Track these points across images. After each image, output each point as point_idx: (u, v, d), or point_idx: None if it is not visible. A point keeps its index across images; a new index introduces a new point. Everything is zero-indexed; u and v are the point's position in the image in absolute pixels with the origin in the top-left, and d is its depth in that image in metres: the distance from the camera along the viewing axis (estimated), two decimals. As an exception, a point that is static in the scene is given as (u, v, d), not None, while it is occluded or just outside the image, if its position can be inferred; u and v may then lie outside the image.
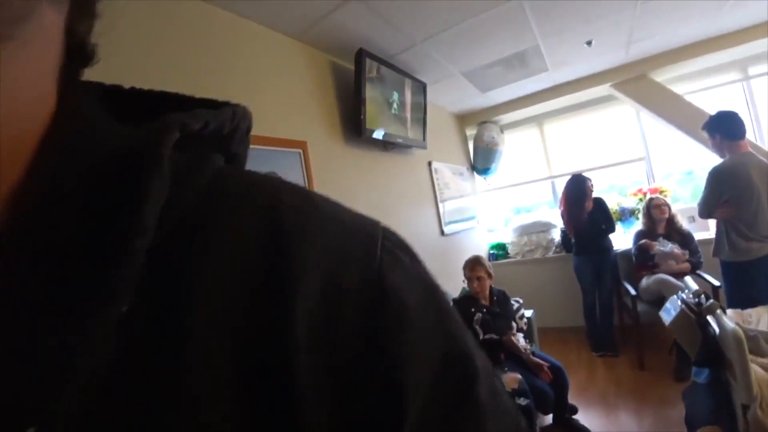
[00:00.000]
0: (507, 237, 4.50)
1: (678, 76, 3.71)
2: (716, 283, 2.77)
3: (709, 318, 1.89)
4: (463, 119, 4.50)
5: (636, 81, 3.67)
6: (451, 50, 2.70)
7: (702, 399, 1.89)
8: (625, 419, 2.43)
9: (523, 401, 1.77)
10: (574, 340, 3.59)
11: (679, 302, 2.03)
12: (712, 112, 2.60)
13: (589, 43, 2.99)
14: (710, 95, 3.70)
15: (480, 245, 4.34)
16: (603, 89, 3.88)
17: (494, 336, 2.22)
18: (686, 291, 2.17)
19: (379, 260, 0.25)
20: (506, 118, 4.44)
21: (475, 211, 4.36)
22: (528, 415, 1.78)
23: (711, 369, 1.85)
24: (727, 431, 1.88)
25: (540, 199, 4.89)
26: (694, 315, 1.93)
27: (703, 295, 2.04)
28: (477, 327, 2.25)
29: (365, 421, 0.22)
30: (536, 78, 3.60)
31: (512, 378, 1.85)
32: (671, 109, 3.55)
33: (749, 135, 2.77)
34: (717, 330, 1.84)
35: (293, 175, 1.97)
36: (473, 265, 2.40)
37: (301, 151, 2.06)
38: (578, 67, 3.54)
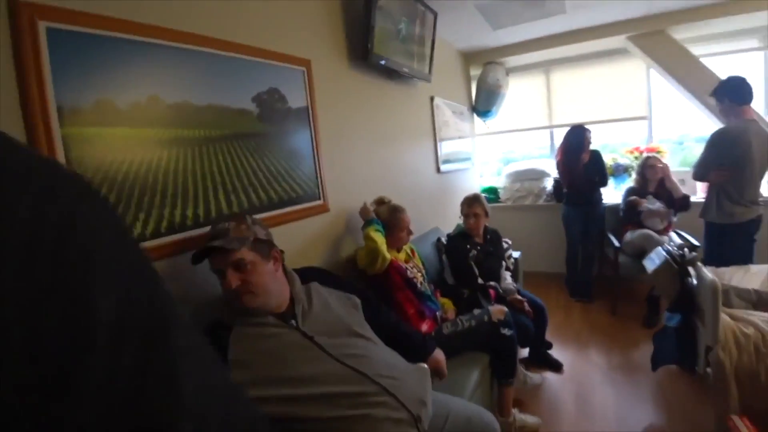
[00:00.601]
0: (500, 182, 4.53)
1: (696, 36, 3.59)
2: (696, 242, 2.88)
3: (690, 269, 1.99)
4: (469, 57, 4.34)
5: (653, 36, 3.55)
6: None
7: (669, 341, 2.03)
8: (595, 356, 2.62)
9: (508, 331, 1.86)
10: (554, 285, 3.76)
11: (664, 253, 2.12)
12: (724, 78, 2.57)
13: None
14: (726, 60, 3.61)
15: (473, 187, 4.36)
16: (618, 41, 3.75)
17: (499, 288, 2.28)
18: (671, 243, 2.26)
19: (66, 196, 0.22)
20: (513, 60, 4.31)
21: (471, 153, 4.33)
22: (512, 343, 1.89)
23: (683, 314, 1.96)
24: (686, 369, 2.05)
25: (531, 151, 4.88)
26: (677, 265, 2.01)
27: (686, 248, 2.13)
28: (472, 263, 2.31)
29: (53, 362, 0.19)
30: (551, 20, 3.44)
31: (499, 310, 1.93)
32: (684, 69, 3.48)
33: (759, 107, 2.74)
34: (695, 280, 1.93)
35: (296, 93, 1.89)
36: (472, 201, 2.41)
37: (305, 69, 1.96)
38: (597, 12, 3.38)
